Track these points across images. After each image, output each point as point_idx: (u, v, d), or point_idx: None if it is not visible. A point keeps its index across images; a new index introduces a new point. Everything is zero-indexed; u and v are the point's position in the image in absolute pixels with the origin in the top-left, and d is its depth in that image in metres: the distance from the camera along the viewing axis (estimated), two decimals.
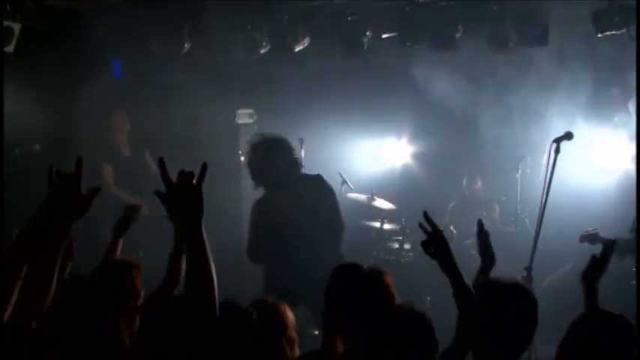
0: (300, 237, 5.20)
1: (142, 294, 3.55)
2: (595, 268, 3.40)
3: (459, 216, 8.03)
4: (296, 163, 5.37)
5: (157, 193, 2.39)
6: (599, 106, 6.96)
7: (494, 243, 3.53)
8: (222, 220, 7.81)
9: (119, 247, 4.10)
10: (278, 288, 4.93)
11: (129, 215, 4.17)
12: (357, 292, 3.02)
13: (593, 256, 3.44)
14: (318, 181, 5.41)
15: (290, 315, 3.02)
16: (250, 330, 2.82)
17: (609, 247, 3.45)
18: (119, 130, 7.75)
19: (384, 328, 2.83)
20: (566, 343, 2.85)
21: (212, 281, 2.38)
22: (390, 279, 3.09)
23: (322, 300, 3.06)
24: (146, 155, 7.83)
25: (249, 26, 7.61)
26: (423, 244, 2.98)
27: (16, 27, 6.65)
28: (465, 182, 8.34)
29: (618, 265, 5.02)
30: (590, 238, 5.34)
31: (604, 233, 5.30)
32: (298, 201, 5.25)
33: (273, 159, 5.21)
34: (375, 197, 7.92)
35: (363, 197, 7.97)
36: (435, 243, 2.96)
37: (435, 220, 2.99)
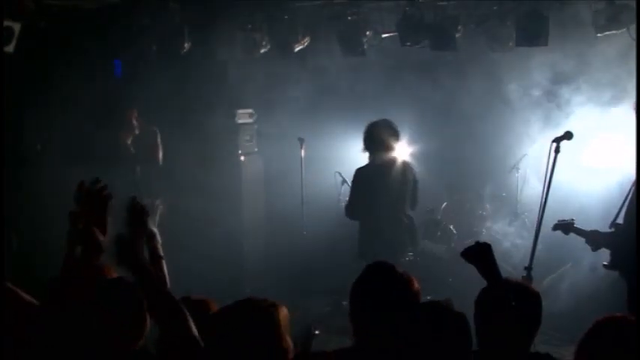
0: (388, 206, 6.08)
1: None
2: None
3: (456, 216, 8.00)
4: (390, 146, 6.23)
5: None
6: (600, 105, 6.96)
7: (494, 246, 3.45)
8: (222, 219, 7.82)
9: None
10: (372, 253, 5.41)
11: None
12: (393, 292, 2.96)
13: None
14: (406, 165, 6.37)
15: (286, 316, 2.97)
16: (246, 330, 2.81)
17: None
18: (129, 129, 7.38)
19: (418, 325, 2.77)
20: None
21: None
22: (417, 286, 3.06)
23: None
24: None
25: (249, 26, 7.61)
26: (464, 252, 3.16)
27: (17, 27, 6.65)
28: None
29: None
30: (564, 227, 5.33)
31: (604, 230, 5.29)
32: (391, 175, 6.15)
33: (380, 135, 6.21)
34: None
35: None
36: (480, 253, 3.12)
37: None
